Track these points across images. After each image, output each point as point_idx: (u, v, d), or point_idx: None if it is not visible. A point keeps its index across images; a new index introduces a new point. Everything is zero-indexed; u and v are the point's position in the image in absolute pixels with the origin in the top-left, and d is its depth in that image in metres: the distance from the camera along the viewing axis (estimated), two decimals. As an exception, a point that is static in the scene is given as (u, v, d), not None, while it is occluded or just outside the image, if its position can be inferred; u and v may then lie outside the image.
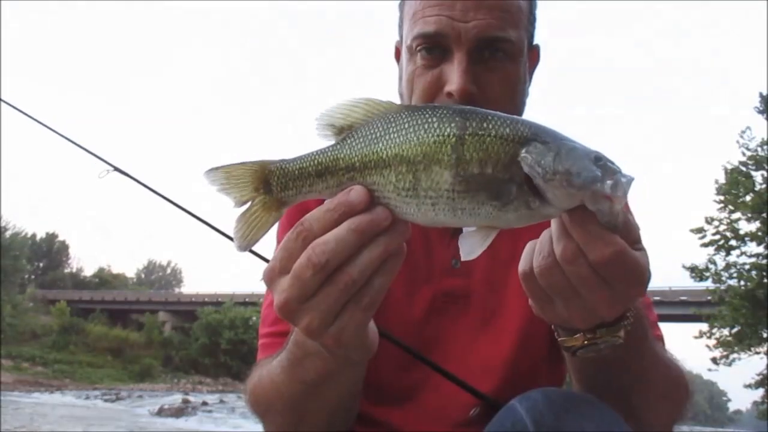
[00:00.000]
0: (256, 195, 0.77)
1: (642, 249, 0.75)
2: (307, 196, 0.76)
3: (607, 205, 0.67)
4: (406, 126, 0.71)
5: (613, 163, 0.68)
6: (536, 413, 0.84)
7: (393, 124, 0.71)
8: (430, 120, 0.70)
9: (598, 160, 0.68)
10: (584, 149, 0.69)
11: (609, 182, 0.67)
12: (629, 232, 0.73)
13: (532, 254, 0.78)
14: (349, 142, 0.73)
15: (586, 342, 0.85)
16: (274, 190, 0.76)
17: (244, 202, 0.78)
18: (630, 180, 0.67)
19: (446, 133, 0.69)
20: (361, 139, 0.72)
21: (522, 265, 0.80)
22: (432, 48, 1.11)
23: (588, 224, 0.70)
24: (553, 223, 0.74)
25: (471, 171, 0.69)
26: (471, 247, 0.73)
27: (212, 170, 0.78)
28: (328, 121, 0.74)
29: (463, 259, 0.75)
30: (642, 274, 0.74)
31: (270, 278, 0.75)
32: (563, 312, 0.79)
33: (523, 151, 0.69)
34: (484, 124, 0.70)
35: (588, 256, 0.71)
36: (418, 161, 0.70)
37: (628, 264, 0.72)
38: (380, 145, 0.71)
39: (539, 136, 0.70)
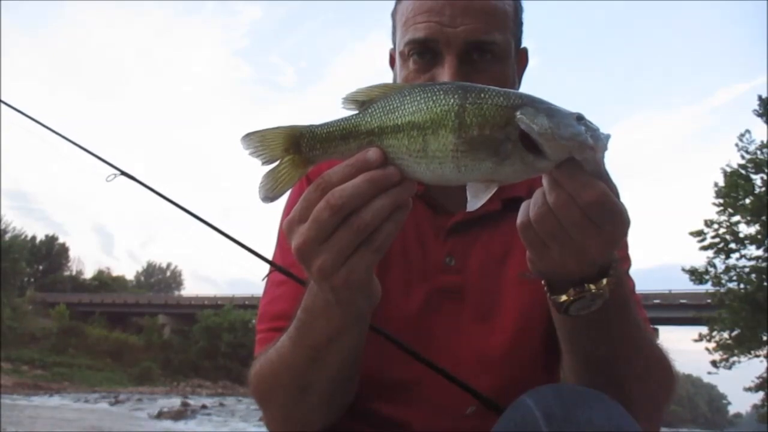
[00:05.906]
0: (285, 155, 0.86)
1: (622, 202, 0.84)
2: (332, 156, 0.85)
3: (592, 154, 0.78)
4: (418, 98, 0.81)
5: (591, 122, 0.79)
6: (546, 407, 0.85)
7: (407, 97, 0.82)
8: (437, 93, 0.81)
9: (580, 119, 0.79)
10: (568, 111, 0.80)
11: (591, 135, 0.78)
12: (611, 186, 0.82)
13: (528, 209, 0.85)
14: (369, 111, 0.83)
15: (575, 296, 0.91)
16: (303, 150, 0.85)
17: (273, 162, 0.86)
18: (608, 135, 0.79)
19: (450, 103, 0.80)
20: (380, 109, 0.83)
21: (520, 218, 0.87)
22: (423, 52, 1.17)
23: (576, 173, 0.79)
24: (545, 179, 0.82)
25: (472, 133, 0.79)
26: (476, 191, 0.81)
27: (248, 135, 0.86)
28: (353, 98, 0.85)
29: (469, 204, 0.80)
30: (624, 215, 0.83)
31: (289, 227, 0.82)
32: (558, 257, 0.86)
33: (518, 113, 0.79)
34: (482, 95, 0.81)
35: (578, 201, 0.80)
36: (428, 126, 0.80)
37: (612, 205, 0.81)
38: (396, 113, 0.82)
39: (530, 102, 0.80)
